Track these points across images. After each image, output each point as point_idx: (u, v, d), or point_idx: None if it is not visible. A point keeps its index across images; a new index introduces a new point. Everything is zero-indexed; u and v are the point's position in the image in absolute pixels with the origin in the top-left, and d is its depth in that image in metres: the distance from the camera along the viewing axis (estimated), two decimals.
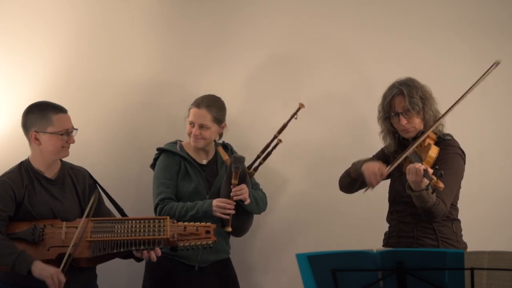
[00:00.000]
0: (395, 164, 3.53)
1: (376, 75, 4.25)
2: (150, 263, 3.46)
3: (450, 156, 3.54)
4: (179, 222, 3.45)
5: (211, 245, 3.43)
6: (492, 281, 2.70)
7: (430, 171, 3.27)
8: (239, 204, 3.83)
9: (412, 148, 3.51)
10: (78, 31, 4.23)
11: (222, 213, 3.77)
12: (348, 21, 4.36)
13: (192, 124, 3.88)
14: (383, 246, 3.75)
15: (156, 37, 4.32)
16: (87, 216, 3.36)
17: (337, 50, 4.36)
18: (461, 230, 3.66)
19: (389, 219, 3.76)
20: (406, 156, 3.51)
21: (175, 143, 3.97)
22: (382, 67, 4.27)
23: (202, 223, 3.46)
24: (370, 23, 4.35)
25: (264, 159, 3.98)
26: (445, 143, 3.59)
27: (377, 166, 3.57)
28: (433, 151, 3.50)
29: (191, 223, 3.45)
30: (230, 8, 4.35)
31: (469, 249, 3.62)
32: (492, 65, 3.53)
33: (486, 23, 4.35)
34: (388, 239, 3.73)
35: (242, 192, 3.80)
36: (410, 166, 3.35)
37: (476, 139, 4.29)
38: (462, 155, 3.61)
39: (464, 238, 3.68)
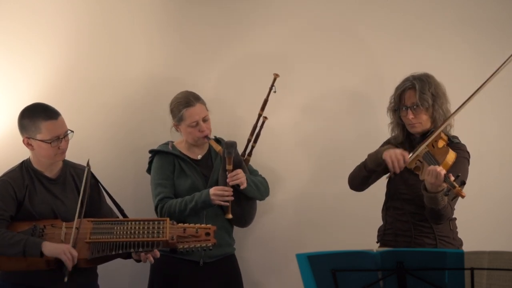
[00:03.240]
0: (414, 155, 3.49)
1: (382, 72, 4.26)
2: (155, 261, 3.46)
3: (460, 160, 3.54)
4: (179, 224, 3.44)
5: (210, 248, 3.43)
6: (492, 281, 2.70)
7: (452, 178, 3.28)
8: (239, 191, 3.83)
9: (425, 145, 3.50)
10: (78, 31, 4.23)
11: (221, 201, 3.77)
12: (353, 20, 4.35)
13: (195, 124, 3.87)
14: (377, 242, 3.75)
15: (156, 37, 4.32)
16: (80, 213, 3.36)
17: (339, 48, 4.36)
18: (456, 227, 3.67)
19: (385, 214, 3.75)
20: (417, 155, 3.51)
21: (166, 144, 3.98)
22: (384, 66, 4.28)
23: (202, 225, 3.46)
24: (373, 22, 4.35)
25: (255, 141, 4.00)
26: (455, 146, 3.60)
27: (399, 151, 3.52)
28: (451, 156, 3.48)
29: (191, 225, 3.45)
30: (233, 6, 4.35)
31: (468, 249, 3.61)
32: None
33: (486, 23, 4.35)
34: (383, 235, 3.72)
35: (238, 176, 3.81)
36: (431, 168, 3.34)
37: (477, 139, 4.28)
38: (468, 159, 3.63)
39: (464, 238, 3.68)
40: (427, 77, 3.61)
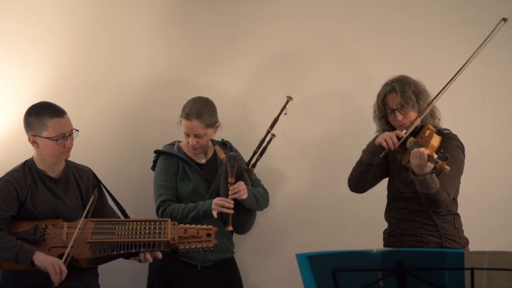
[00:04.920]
0: (409, 131, 3.54)
1: (375, 74, 4.24)
2: (153, 263, 3.48)
3: (451, 148, 3.55)
4: (180, 224, 3.45)
5: (212, 248, 3.44)
6: (492, 281, 2.71)
7: (435, 155, 3.29)
8: (238, 201, 3.83)
9: (407, 134, 3.53)
10: (78, 31, 4.22)
11: (220, 210, 3.77)
12: (348, 21, 4.36)
13: (187, 134, 3.89)
14: (384, 245, 3.75)
15: (157, 37, 4.32)
16: (86, 216, 3.36)
17: (336, 49, 4.37)
18: (461, 225, 3.67)
19: (388, 216, 3.75)
20: (406, 148, 3.52)
21: (173, 144, 3.99)
22: (381, 65, 4.27)
23: (203, 226, 3.46)
24: (369, 22, 4.35)
25: (261, 154, 4.00)
26: (446, 135, 3.61)
27: (390, 132, 3.58)
28: (436, 140, 3.50)
29: (192, 226, 3.45)
30: (231, 8, 4.35)
31: (471, 248, 3.63)
32: (499, 22, 3.53)
33: (486, 23, 4.34)
34: (389, 237, 3.73)
35: (239, 189, 3.80)
36: (415, 150, 3.37)
37: (477, 138, 4.29)
38: (461, 147, 3.63)
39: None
40: (404, 78, 3.65)
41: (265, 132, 3.99)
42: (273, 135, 3.98)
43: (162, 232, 3.38)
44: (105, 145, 4.25)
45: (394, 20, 4.35)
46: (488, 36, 3.57)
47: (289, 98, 3.96)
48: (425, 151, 3.32)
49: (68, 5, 4.22)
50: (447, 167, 3.24)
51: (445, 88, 3.57)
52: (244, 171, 3.92)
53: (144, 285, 3.98)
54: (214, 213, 3.76)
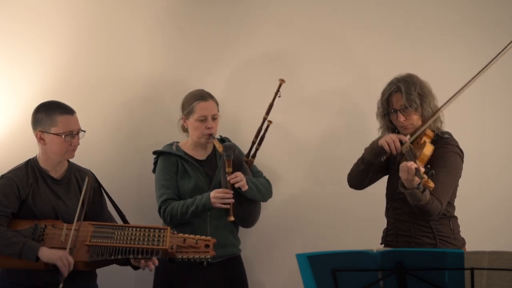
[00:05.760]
0: (413, 138, 3.53)
1: (374, 73, 4.26)
2: (159, 262, 3.46)
3: (448, 154, 3.54)
4: (179, 234, 3.43)
5: (209, 259, 3.43)
6: (492, 281, 2.71)
7: (422, 170, 3.28)
8: (239, 192, 3.83)
9: (410, 140, 3.52)
10: (78, 31, 4.22)
11: (222, 203, 3.76)
12: (348, 21, 4.37)
13: (203, 119, 3.88)
14: (381, 243, 3.76)
15: (157, 37, 4.32)
16: (84, 199, 3.38)
17: (336, 49, 4.37)
18: (458, 226, 3.66)
19: (387, 215, 3.77)
20: (402, 154, 3.52)
21: (171, 144, 3.99)
22: (380, 65, 4.28)
23: (202, 236, 3.45)
24: (369, 22, 4.36)
25: (259, 143, 4.01)
26: (443, 141, 3.60)
27: (393, 134, 3.57)
28: (428, 149, 3.50)
29: (191, 236, 3.43)
30: (231, 8, 4.35)
31: (469, 248, 3.63)
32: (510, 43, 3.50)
33: (486, 23, 4.35)
34: (386, 236, 3.74)
35: (237, 179, 3.80)
36: (403, 164, 3.36)
37: (477, 139, 4.29)
38: (459, 153, 3.61)
39: (465, 238, 3.68)
40: (411, 78, 3.62)
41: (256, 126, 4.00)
42: (270, 122, 4.00)
43: (161, 240, 3.37)
44: (105, 145, 4.25)
45: (394, 20, 4.36)
46: (503, 49, 3.54)
47: (282, 81, 3.98)
48: (412, 165, 3.30)
49: (68, 5, 4.22)
50: (431, 185, 3.22)
51: (453, 98, 3.55)
52: (243, 161, 3.93)
53: (149, 283, 3.97)
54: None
